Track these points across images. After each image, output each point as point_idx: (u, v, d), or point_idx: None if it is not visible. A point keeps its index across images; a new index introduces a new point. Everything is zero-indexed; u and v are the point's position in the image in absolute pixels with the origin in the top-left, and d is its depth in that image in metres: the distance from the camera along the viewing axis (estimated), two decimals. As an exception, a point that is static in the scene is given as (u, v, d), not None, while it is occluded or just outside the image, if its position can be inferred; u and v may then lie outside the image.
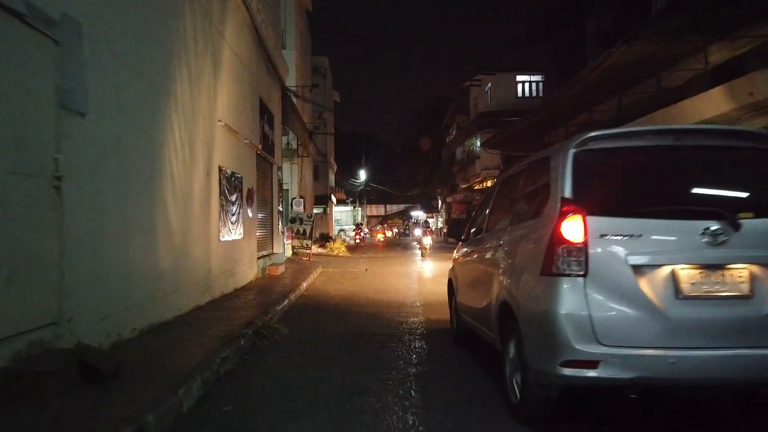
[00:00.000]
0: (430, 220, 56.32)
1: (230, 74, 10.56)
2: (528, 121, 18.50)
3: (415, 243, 37.00)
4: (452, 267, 6.84)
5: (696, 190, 3.63)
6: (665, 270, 3.25)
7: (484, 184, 36.58)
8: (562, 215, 3.39)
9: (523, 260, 3.89)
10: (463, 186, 40.85)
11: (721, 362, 3.15)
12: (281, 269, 14.66)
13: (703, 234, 3.26)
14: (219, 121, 9.45)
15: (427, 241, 22.87)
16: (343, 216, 58.52)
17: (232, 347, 5.54)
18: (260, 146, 13.40)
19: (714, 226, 3.26)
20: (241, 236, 11.23)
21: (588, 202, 3.39)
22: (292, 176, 26.91)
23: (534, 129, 19.41)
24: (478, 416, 3.97)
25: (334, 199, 44.56)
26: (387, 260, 22.12)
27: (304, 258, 20.45)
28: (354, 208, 60.31)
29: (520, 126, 18.85)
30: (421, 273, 16.27)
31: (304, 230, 20.89)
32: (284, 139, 24.10)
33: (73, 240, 4.55)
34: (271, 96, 15.13)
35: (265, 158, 14.61)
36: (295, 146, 26.29)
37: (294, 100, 22.46)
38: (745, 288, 3.23)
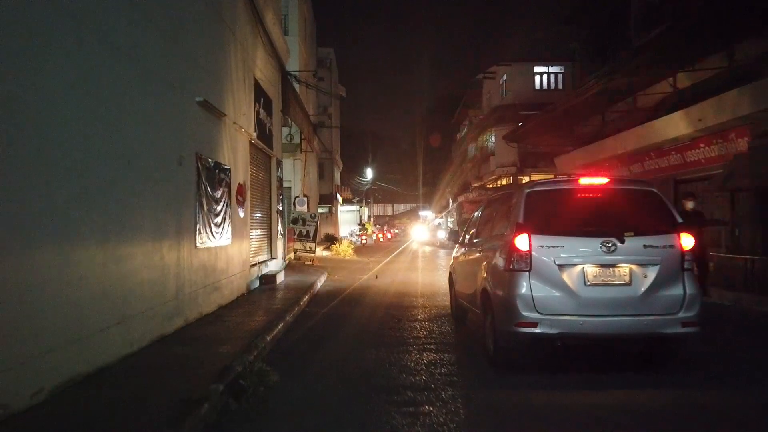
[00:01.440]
0: (439, 221, 54.23)
1: (213, 40, 8.56)
2: (556, 110, 16.41)
3: (423, 246, 34.97)
4: (452, 264, 8.66)
5: (599, 218, 5.46)
6: (578, 267, 5.18)
7: (499, 182, 34.51)
8: (516, 233, 5.31)
9: (494, 261, 5.80)
10: (476, 184, 38.74)
11: (611, 324, 5.17)
12: (280, 278, 12.66)
13: (601, 246, 5.18)
14: (197, 97, 7.45)
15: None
16: (348, 216, 56.57)
17: (183, 426, 3.51)
18: (255, 134, 11.41)
19: (608, 241, 5.18)
20: (229, 241, 9.22)
21: (532, 225, 5.32)
22: (294, 173, 25.00)
23: (562, 120, 17.33)
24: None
25: (339, 198, 42.52)
26: (397, 265, 20.10)
27: (307, 263, 18.45)
28: (360, 207, 58.28)
29: (547, 116, 16.77)
30: (437, 281, 14.20)
31: (307, 232, 18.88)
32: (285, 130, 22.18)
33: None
34: (268, 78, 13.13)
35: (261, 149, 12.62)
36: (298, 140, 24.34)
37: (296, 87, 20.46)
38: (626, 278, 5.17)
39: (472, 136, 40.09)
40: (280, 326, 7.23)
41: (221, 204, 8.80)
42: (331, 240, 30.67)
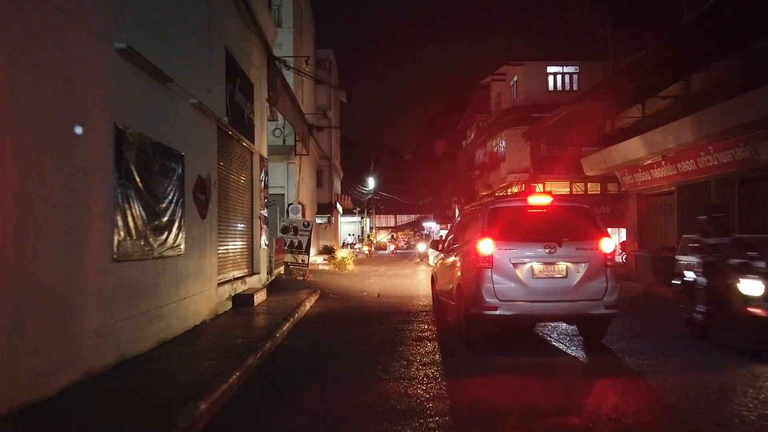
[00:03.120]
0: (444, 232, 51.83)
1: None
2: (587, 99, 14.11)
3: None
4: (434, 268, 10.50)
5: (543, 228, 6.86)
6: (528, 265, 6.55)
7: (510, 190, 32.13)
8: (482, 240, 6.71)
9: (466, 262, 7.18)
10: (484, 193, 36.33)
11: (553, 307, 6.63)
12: (260, 297, 10.32)
13: (544, 248, 6.56)
14: (118, 42, 5.15)
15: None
16: (349, 227, 54.27)
17: None
18: (226, 119, 9.12)
19: (550, 245, 6.55)
20: (181, 252, 6.90)
21: (494, 234, 6.72)
22: (288, 178, 22.75)
23: (593, 111, 15.04)
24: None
25: (340, 208, 40.19)
26: (404, 280, 17.69)
27: (299, 278, 16.07)
28: (362, 218, 55.97)
29: (578, 108, 14.47)
30: None
31: (299, 242, 16.50)
32: (274, 127, 20.01)
33: None
34: (246, 55, 10.87)
35: (237, 141, 10.33)
36: (292, 142, 22.15)
37: (291, 83, 18.24)
38: (564, 273, 6.56)
39: (480, 142, 37.81)
40: (232, 378, 4.85)
41: (167, 201, 6.48)
42: (329, 252, 28.34)
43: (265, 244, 12.88)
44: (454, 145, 48.53)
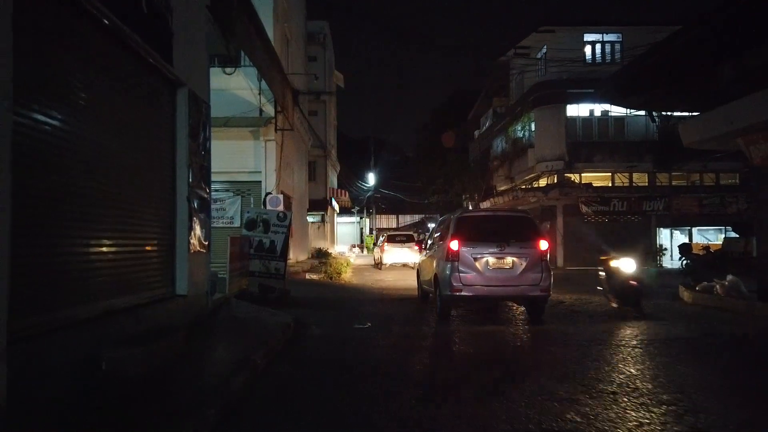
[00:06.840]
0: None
1: None
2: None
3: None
4: (418, 264, 12.82)
5: (496, 231, 9.11)
6: (484, 258, 8.84)
7: (538, 182, 26.94)
8: (451, 240, 8.97)
9: (440, 256, 9.48)
10: (504, 187, 31.08)
11: (502, 290, 8.94)
12: (160, 350, 5.07)
13: (496, 247, 8.84)
14: None
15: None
16: (347, 229, 49.08)
17: None
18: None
19: (501, 244, 8.83)
20: None
21: (460, 235, 9.02)
22: (266, 160, 17.45)
23: (710, 49, 9.89)
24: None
25: (335, 205, 34.92)
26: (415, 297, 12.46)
27: (270, 296, 10.81)
28: (360, 218, 50.74)
29: (696, 38, 9.30)
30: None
31: (272, 243, 11.23)
32: (245, 95, 14.86)
33: None
34: None
35: (111, 33, 5.10)
36: (271, 114, 17.02)
37: (271, 35, 12.97)
38: (510, 265, 8.85)
39: (499, 129, 32.50)
40: None
41: None
42: (322, 257, 23.13)
43: (203, 245, 7.64)
44: (464, 136, 43.29)
